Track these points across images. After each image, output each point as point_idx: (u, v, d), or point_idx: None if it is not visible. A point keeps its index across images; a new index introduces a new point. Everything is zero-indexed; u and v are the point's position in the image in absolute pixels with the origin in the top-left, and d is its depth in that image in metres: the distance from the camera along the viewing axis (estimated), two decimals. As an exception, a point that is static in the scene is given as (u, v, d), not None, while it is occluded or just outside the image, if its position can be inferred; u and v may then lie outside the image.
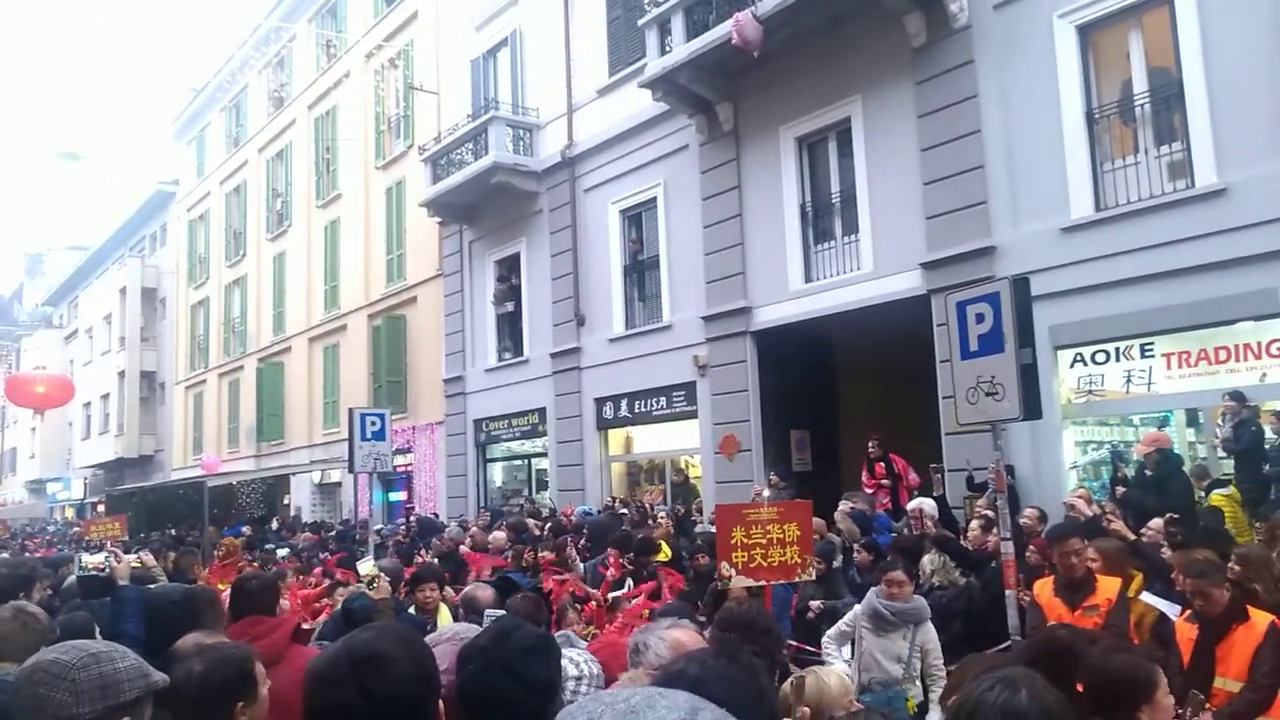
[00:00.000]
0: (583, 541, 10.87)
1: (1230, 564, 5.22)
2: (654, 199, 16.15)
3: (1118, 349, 10.48)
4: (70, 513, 44.49)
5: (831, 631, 6.58)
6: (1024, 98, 11.16)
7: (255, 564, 12.31)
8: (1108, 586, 5.43)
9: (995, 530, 6.97)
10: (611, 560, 8.56)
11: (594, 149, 17.24)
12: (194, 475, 29.53)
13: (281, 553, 15.48)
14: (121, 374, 38.94)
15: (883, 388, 15.10)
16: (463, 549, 11.98)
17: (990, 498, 8.28)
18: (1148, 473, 9.10)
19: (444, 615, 6.79)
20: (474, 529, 14.05)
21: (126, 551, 7.46)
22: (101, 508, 34.20)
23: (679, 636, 2.76)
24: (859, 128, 12.95)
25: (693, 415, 15.16)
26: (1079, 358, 10.79)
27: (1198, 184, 9.76)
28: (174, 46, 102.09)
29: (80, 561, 6.05)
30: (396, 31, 23.66)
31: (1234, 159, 9.48)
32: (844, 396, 15.72)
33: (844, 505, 10.58)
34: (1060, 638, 3.55)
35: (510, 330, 19.67)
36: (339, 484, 25.30)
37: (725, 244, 14.51)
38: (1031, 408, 5.77)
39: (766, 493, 7.34)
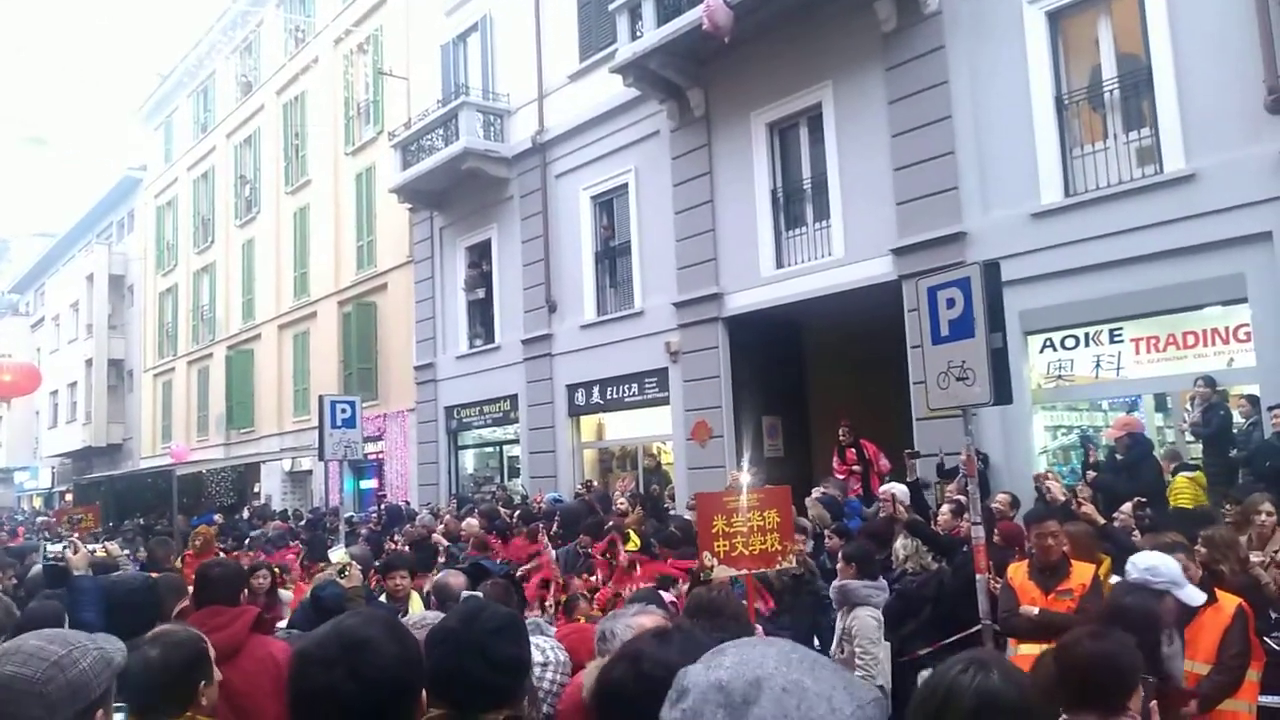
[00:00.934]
0: (554, 528, 10.81)
1: (1196, 546, 5.24)
2: (625, 185, 16.07)
3: (1087, 334, 10.54)
4: (38, 502, 44.08)
5: None
6: (994, 83, 11.18)
7: (230, 552, 12.09)
8: (1082, 571, 5.43)
9: (966, 515, 6.98)
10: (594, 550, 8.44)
11: (565, 135, 17.13)
12: (163, 464, 29.28)
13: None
14: (89, 362, 38.53)
15: (854, 373, 15.13)
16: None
17: (961, 482, 8.30)
18: (1118, 457, 9.17)
19: (415, 603, 6.76)
20: (447, 517, 13.96)
21: (95, 540, 7.43)
22: (69, 497, 33.81)
23: (645, 623, 2.76)
24: (830, 113, 12.93)
25: (665, 402, 15.13)
26: (1049, 343, 10.85)
27: (1166, 169, 9.82)
28: (141, 31, 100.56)
29: (44, 550, 6.14)
30: (365, 16, 23.38)
31: (1202, 145, 9.53)
32: (815, 382, 15.74)
33: (816, 492, 10.59)
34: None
35: (481, 317, 19.56)
36: (309, 472, 25.11)
37: (697, 230, 14.46)
38: (1002, 392, 5.77)
39: (745, 478, 7.28)
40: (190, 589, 4.45)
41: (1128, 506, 7.16)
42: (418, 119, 19.55)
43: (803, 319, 14.57)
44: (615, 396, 16.11)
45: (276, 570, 8.13)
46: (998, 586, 5.77)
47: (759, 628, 5.34)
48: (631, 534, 9.13)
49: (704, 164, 14.48)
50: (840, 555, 6.21)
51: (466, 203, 19.46)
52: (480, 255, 19.57)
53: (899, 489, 8.78)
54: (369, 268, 23.19)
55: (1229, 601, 4.68)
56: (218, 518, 20.76)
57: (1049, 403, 11.11)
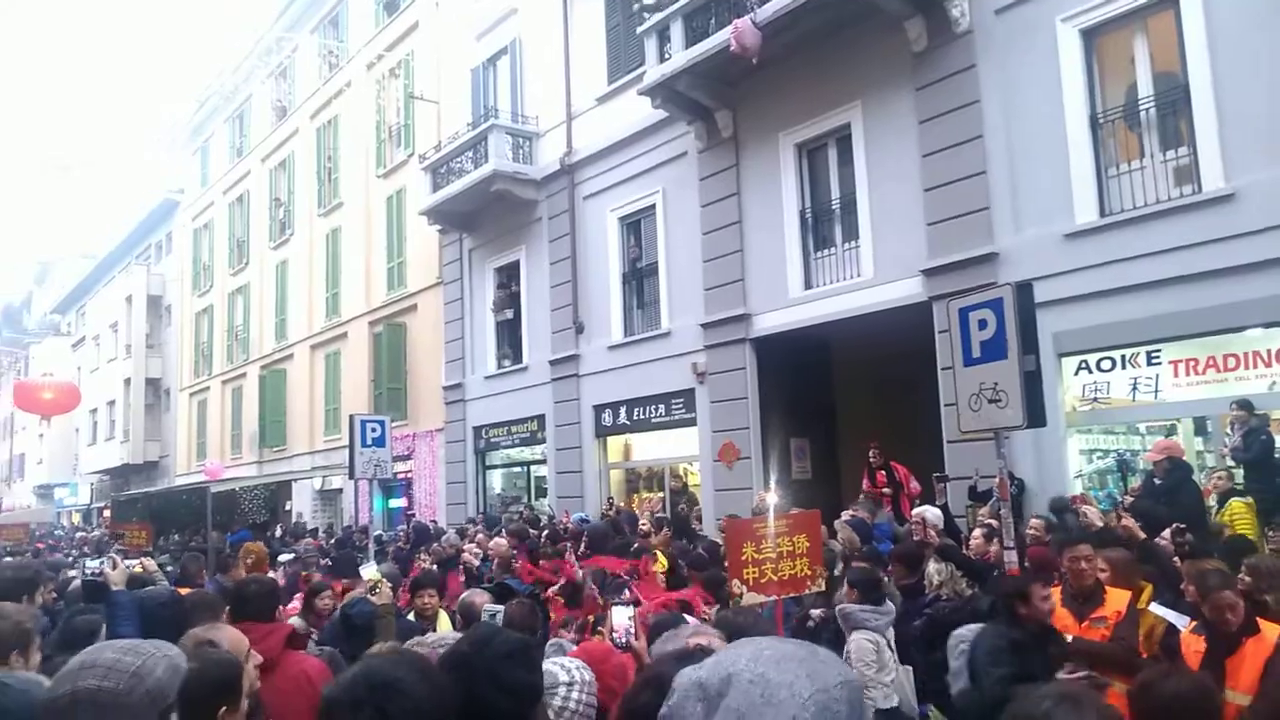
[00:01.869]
0: (582, 548, 10.74)
1: (1240, 575, 5.09)
2: (653, 206, 16.07)
3: (1123, 356, 10.36)
4: (77, 518, 44.65)
5: None
6: (1027, 103, 11.06)
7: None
8: (1116, 598, 5.28)
9: (997, 540, 6.85)
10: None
11: (593, 156, 17.18)
12: (198, 481, 29.52)
13: (284, 558, 15.33)
14: (127, 381, 39.16)
15: (883, 395, 15.00)
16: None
17: (994, 507, 8.16)
18: (1157, 481, 8.97)
19: (443, 622, 6.74)
20: (479, 536, 13.91)
21: (146, 556, 7.71)
22: (108, 513, 34.19)
23: (702, 644, 2.73)
24: (859, 134, 12.86)
25: (692, 423, 15.05)
26: (1084, 365, 10.67)
27: (1205, 189, 9.64)
28: (180, 58, 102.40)
29: (84, 566, 6.34)
30: (397, 41, 23.68)
31: (1241, 164, 9.36)
32: (844, 404, 15.60)
33: (846, 514, 10.45)
34: None
35: (509, 337, 19.60)
36: (340, 490, 25.26)
37: (724, 251, 14.42)
38: (1035, 415, 5.68)
39: (771, 499, 7.21)
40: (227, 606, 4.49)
41: (1167, 532, 6.99)
42: (448, 142, 19.69)
43: (831, 340, 14.46)
44: (642, 417, 16.05)
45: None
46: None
47: None
48: (660, 555, 9.06)
49: (732, 185, 14.45)
50: (845, 580, 6.14)
51: (495, 224, 19.54)
52: (509, 276, 19.63)
53: (931, 512, 8.65)
54: (399, 289, 23.34)
55: (1272, 631, 4.53)
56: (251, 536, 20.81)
57: (1084, 425, 10.92)
